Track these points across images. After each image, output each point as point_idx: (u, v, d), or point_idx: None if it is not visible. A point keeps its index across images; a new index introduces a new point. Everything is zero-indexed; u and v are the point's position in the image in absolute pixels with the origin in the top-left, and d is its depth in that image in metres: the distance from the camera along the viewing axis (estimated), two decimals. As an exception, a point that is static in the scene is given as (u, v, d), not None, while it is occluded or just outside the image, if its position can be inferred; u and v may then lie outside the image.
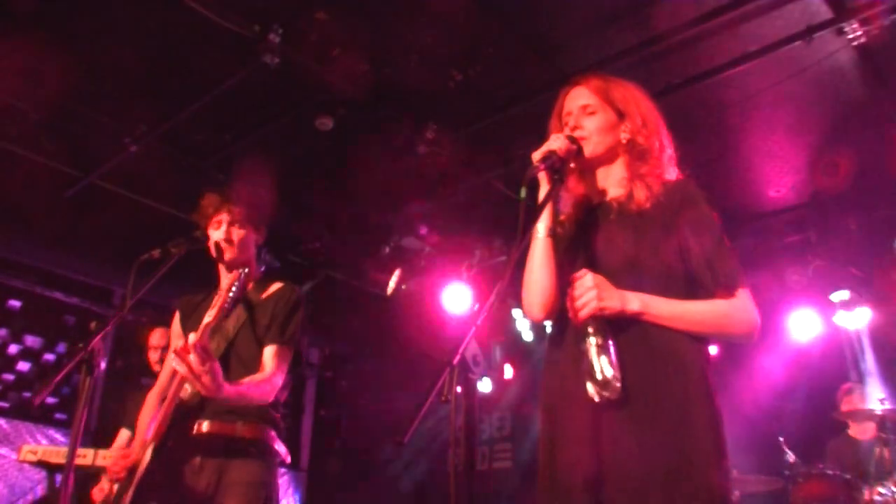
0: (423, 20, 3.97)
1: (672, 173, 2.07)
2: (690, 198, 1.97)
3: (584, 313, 1.83)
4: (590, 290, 1.83)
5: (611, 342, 1.81)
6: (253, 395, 2.54)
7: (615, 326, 1.84)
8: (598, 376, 1.77)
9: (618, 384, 1.76)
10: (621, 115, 2.06)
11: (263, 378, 2.59)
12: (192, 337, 2.31)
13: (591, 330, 1.82)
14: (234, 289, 2.50)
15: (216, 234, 2.79)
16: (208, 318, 2.40)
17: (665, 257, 1.90)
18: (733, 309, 1.87)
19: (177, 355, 2.28)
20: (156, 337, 4.38)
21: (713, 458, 1.74)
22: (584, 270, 1.87)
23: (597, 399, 1.77)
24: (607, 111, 2.06)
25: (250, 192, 2.95)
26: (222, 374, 2.35)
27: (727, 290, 1.87)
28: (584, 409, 1.82)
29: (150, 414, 2.80)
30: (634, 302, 1.85)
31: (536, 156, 1.94)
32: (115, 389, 5.80)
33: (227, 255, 2.78)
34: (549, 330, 2.07)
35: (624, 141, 2.05)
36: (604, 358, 1.78)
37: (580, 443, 1.82)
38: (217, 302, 2.45)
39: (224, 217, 2.81)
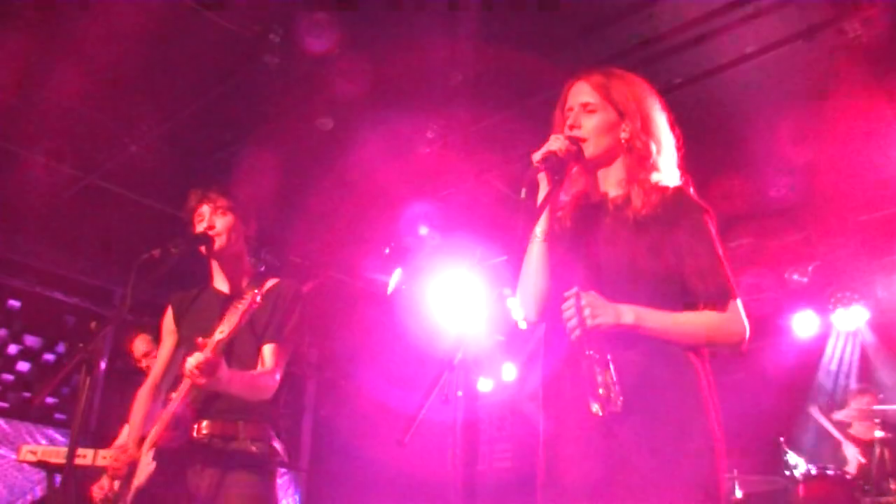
0: (423, 20, 3.97)
1: (672, 175, 2.06)
2: (687, 205, 1.97)
3: (578, 333, 1.83)
4: (583, 309, 1.83)
5: (609, 357, 1.81)
6: (251, 386, 2.54)
7: (609, 337, 1.84)
8: (601, 392, 1.78)
9: (619, 399, 1.77)
10: (622, 115, 2.05)
11: (263, 373, 2.59)
12: (200, 356, 2.32)
13: (587, 345, 1.83)
14: (251, 310, 2.48)
15: (200, 227, 2.79)
16: (220, 334, 2.38)
17: (661, 262, 1.91)
18: (723, 321, 1.89)
19: (190, 371, 2.31)
20: (139, 345, 4.33)
21: (707, 462, 1.75)
22: (574, 289, 1.86)
23: (601, 414, 1.78)
24: (608, 110, 2.05)
25: (231, 184, 2.95)
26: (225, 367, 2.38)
27: (719, 302, 1.89)
28: (582, 420, 1.83)
29: (144, 410, 2.79)
30: (629, 315, 1.85)
31: (536, 157, 1.94)
32: (114, 389, 5.79)
33: (216, 244, 2.76)
34: (544, 333, 2.07)
35: (623, 141, 2.04)
36: (604, 374, 1.79)
37: (578, 453, 1.83)
38: (231, 318, 2.41)
39: (206, 208, 2.81)
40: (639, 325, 1.85)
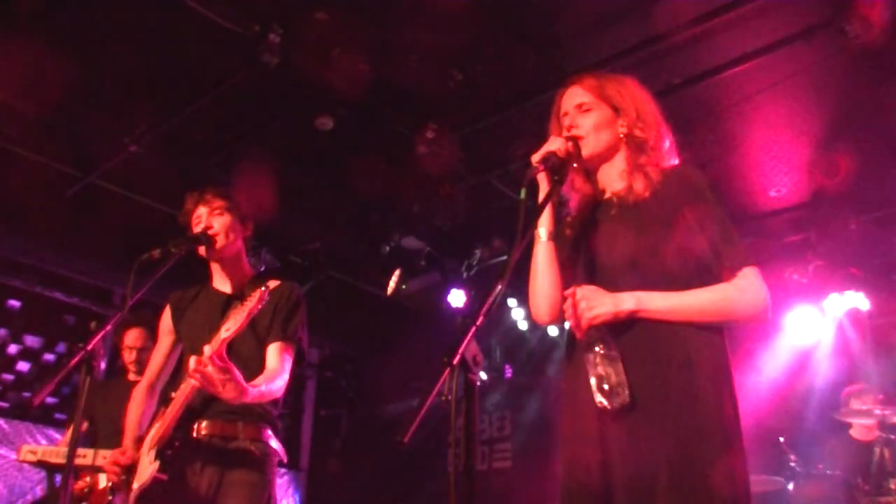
0: (423, 20, 3.97)
1: (673, 160, 2.07)
2: (690, 183, 1.96)
3: (582, 328, 1.84)
4: (579, 305, 1.84)
5: (614, 349, 1.80)
6: (269, 393, 2.55)
7: (618, 329, 1.83)
8: (605, 386, 1.77)
9: (626, 392, 1.75)
10: (617, 111, 2.06)
11: (274, 375, 2.59)
12: (208, 349, 2.30)
13: (593, 339, 1.82)
14: (258, 308, 2.46)
15: (198, 228, 2.79)
16: (226, 332, 2.37)
17: (666, 251, 1.89)
18: (736, 291, 1.84)
19: (194, 370, 2.28)
20: (130, 337, 4.33)
21: (720, 456, 1.71)
22: (572, 288, 1.87)
23: (608, 407, 1.77)
24: (603, 108, 2.06)
25: (227, 185, 2.96)
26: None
27: (732, 272, 1.85)
28: (593, 416, 1.82)
29: (140, 410, 2.78)
30: (628, 301, 1.84)
31: (536, 157, 1.95)
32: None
33: (217, 244, 2.76)
34: (559, 334, 2.07)
35: (622, 135, 2.05)
36: (609, 367, 1.78)
37: (590, 449, 1.82)
38: (238, 316, 2.41)
39: (203, 210, 2.82)
40: (641, 308, 1.83)
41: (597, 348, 1.81)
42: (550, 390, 7.04)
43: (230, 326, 2.38)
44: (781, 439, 4.78)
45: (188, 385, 2.47)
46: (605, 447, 1.79)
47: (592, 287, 1.87)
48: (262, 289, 2.43)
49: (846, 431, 5.26)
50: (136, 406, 2.81)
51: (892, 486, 4.28)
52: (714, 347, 1.85)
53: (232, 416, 2.59)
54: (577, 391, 1.90)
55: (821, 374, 6.16)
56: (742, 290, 1.84)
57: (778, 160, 5.11)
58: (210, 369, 2.27)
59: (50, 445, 4.48)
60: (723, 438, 1.74)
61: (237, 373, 2.33)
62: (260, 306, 2.41)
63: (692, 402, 1.76)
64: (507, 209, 5.38)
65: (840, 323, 6.07)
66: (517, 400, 7.61)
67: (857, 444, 5.09)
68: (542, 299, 2.01)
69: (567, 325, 2.00)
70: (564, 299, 1.89)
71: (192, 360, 2.32)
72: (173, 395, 2.60)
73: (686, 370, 1.79)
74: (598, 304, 1.83)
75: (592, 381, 1.80)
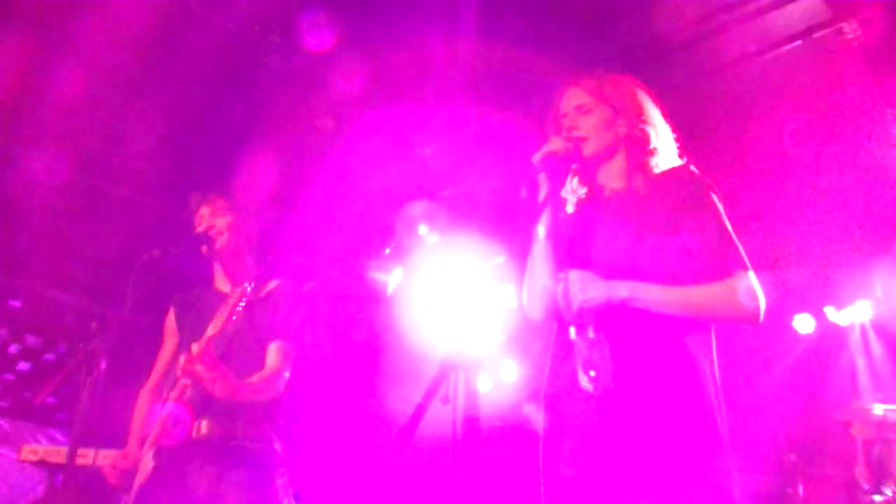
0: (423, 20, 3.98)
1: (674, 160, 2.08)
2: (689, 183, 1.98)
3: (572, 309, 1.85)
4: (572, 286, 1.85)
5: (602, 335, 1.82)
6: (263, 391, 2.56)
7: (610, 317, 1.85)
8: (591, 371, 1.79)
9: (609, 376, 1.77)
10: (616, 111, 2.07)
11: (272, 374, 2.61)
12: (195, 347, 2.32)
13: (582, 324, 1.84)
14: (241, 304, 2.49)
15: (201, 228, 2.81)
16: (212, 329, 2.40)
17: (662, 251, 1.91)
18: (731, 290, 1.86)
19: (183, 369, 2.30)
20: None
21: (703, 448, 1.75)
22: (567, 271, 1.89)
23: (592, 391, 1.78)
24: (602, 108, 2.08)
25: (227, 186, 2.98)
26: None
27: (728, 273, 1.87)
28: (578, 404, 1.84)
29: (145, 411, 2.80)
30: (622, 289, 1.85)
31: (536, 157, 1.96)
32: (115, 389, 5.78)
33: (217, 244, 2.78)
34: (553, 332, 2.08)
35: (622, 135, 2.06)
36: (595, 352, 1.80)
37: (574, 437, 1.84)
38: (222, 315, 2.44)
39: (206, 210, 2.83)
40: (633, 297, 1.84)
41: (587, 332, 1.83)
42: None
43: (216, 325, 2.41)
44: (781, 439, 4.78)
45: (181, 385, 2.49)
46: (587, 434, 1.81)
47: (586, 272, 1.88)
48: (244, 285, 2.47)
49: (846, 430, 5.26)
50: (142, 407, 2.82)
51: (892, 486, 4.28)
52: (701, 342, 1.88)
53: (232, 416, 2.59)
54: (562, 377, 1.92)
55: (820, 374, 6.16)
56: (734, 290, 1.86)
57: (778, 160, 5.11)
58: (198, 368, 2.29)
59: (51, 445, 4.48)
60: (703, 429, 1.77)
61: (227, 371, 2.34)
62: (241, 303, 2.44)
63: (674, 394, 1.79)
64: (507, 209, 5.37)
65: (839, 322, 6.07)
66: (517, 400, 7.61)
67: (857, 443, 5.10)
68: (538, 296, 2.02)
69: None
70: (557, 283, 1.89)
71: (181, 359, 2.34)
72: (171, 394, 2.61)
73: (671, 362, 1.82)
74: (591, 288, 1.84)
75: (579, 365, 1.81)
